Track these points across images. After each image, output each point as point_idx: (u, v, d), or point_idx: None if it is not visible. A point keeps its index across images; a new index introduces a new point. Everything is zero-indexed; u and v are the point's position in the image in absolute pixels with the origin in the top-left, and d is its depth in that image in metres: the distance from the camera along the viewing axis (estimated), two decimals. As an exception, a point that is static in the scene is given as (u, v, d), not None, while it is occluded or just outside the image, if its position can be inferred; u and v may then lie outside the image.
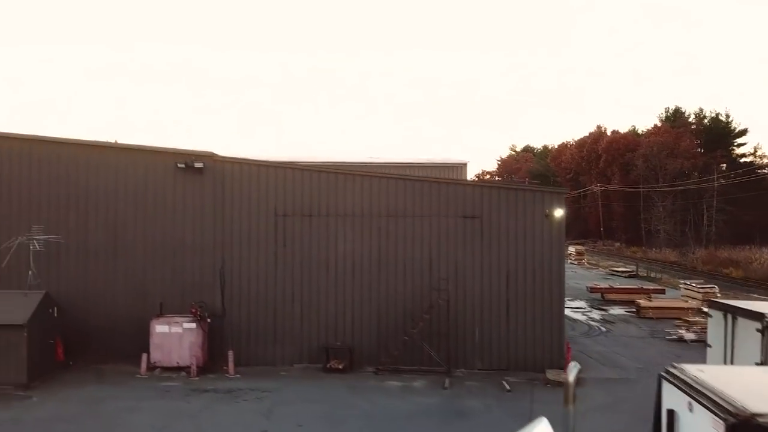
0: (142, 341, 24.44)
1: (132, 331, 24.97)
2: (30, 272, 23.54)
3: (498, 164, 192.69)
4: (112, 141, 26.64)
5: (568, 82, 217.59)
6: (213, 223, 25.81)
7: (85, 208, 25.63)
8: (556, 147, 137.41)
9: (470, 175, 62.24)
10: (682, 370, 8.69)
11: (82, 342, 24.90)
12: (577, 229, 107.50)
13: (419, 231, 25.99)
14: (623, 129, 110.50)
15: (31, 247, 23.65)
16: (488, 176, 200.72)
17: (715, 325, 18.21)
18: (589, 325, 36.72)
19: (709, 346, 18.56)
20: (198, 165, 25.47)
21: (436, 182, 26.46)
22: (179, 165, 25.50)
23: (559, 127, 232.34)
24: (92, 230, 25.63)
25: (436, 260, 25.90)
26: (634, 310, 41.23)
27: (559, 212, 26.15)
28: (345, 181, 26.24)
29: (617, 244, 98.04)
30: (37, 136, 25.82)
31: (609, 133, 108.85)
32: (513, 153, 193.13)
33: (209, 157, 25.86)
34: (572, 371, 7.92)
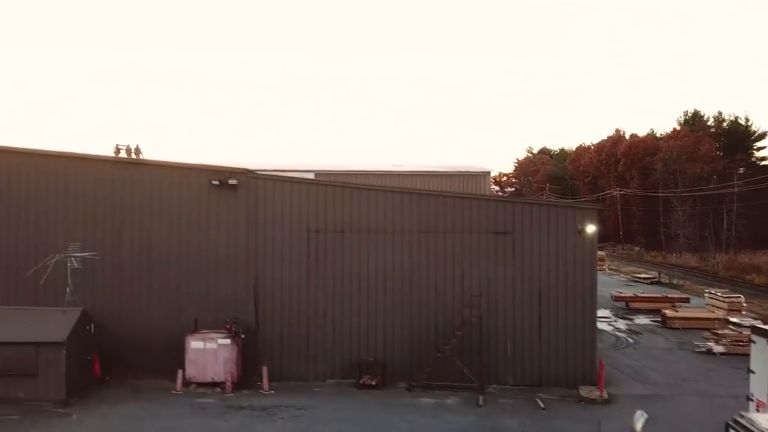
0: (176, 357, 24.47)
1: (167, 347, 25.00)
2: (68, 289, 23.62)
3: (515, 166, 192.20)
4: (149, 158, 26.55)
5: (570, 84, 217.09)
6: (246, 238, 25.80)
7: (120, 225, 25.69)
8: (573, 150, 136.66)
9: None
10: (751, 421, 8.49)
11: (117, 357, 24.96)
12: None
13: (450, 247, 25.85)
14: (637, 132, 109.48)
15: (68, 265, 23.71)
16: (505, 178, 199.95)
17: (759, 351, 17.97)
18: (617, 336, 36.38)
19: (753, 372, 18.30)
20: (232, 182, 25.48)
21: (468, 198, 26.32)
22: (213, 182, 25.50)
23: (560, 129, 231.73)
24: (127, 246, 25.69)
25: (468, 276, 25.75)
26: (659, 319, 40.85)
27: (591, 228, 25.94)
28: (376, 197, 26.15)
29: (637, 248, 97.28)
30: (74, 153, 25.94)
31: (628, 137, 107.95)
32: (530, 155, 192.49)
33: (243, 174, 25.85)
34: (639, 420, 7.79)
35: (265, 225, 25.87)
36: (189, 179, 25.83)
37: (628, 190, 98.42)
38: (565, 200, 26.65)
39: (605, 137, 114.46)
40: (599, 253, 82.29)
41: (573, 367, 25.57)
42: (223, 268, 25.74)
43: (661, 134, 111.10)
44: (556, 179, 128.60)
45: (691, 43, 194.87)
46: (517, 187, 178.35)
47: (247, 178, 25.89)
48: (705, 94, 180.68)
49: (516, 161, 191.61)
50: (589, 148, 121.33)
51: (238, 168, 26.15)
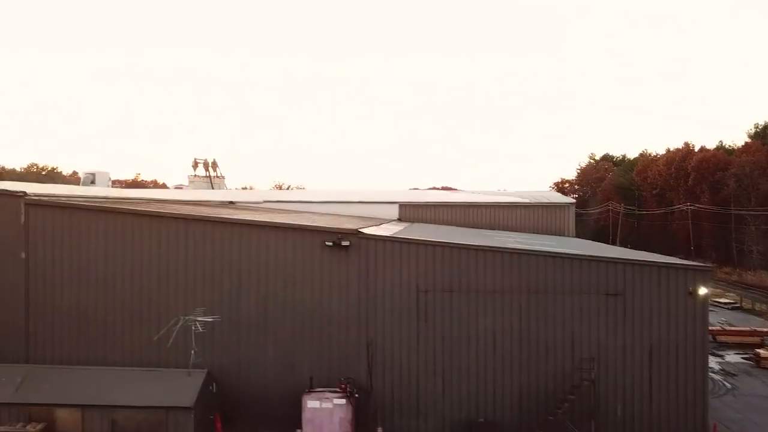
0: (292, 414, 24.54)
1: (282, 404, 25.12)
2: (192, 351, 23.93)
3: (577, 172, 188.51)
4: (266, 220, 26.64)
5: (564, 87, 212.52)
6: (358, 297, 25.73)
7: (237, 284, 25.90)
8: (635, 158, 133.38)
9: (544, 184, 60.25)
10: None
11: (235, 414, 25.21)
12: (664, 244, 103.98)
13: (560, 307, 25.30)
14: (702, 143, 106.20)
15: (193, 328, 24.00)
16: (567, 185, 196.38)
17: None
18: (712, 380, 35.12)
19: None
20: (345, 243, 25.42)
21: (578, 259, 25.65)
22: (327, 243, 25.48)
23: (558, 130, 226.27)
24: (244, 305, 25.88)
25: (578, 337, 25.17)
26: (751, 357, 39.37)
27: (702, 290, 25.06)
28: (484, 257, 25.75)
29: (708, 264, 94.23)
30: (194, 215, 26.22)
31: (698, 150, 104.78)
32: (592, 161, 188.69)
33: (354, 235, 25.76)
34: None
35: (376, 284, 25.75)
36: (303, 240, 25.89)
37: (700, 206, 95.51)
38: (676, 260, 25.60)
39: (673, 149, 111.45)
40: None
41: (684, 428, 24.77)
42: (335, 326, 25.74)
43: (730, 146, 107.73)
44: (622, 189, 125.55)
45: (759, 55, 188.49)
46: (580, 194, 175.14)
47: (359, 239, 25.79)
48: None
49: (578, 167, 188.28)
50: (656, 159, 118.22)
51: (349, 229, 26.07)
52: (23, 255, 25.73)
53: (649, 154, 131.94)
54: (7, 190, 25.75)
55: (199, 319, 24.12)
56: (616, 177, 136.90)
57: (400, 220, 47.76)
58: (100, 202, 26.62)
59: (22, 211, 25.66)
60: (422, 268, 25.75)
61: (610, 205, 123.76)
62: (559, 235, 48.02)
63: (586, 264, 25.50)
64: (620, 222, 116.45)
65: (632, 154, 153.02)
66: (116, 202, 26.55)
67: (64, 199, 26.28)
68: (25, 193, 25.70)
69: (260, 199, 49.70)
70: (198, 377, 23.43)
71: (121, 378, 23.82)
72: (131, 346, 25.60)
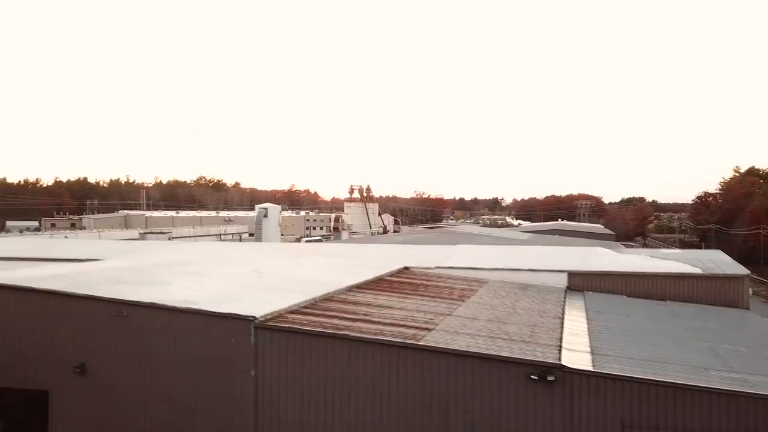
0: None
1: None
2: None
3: (721, 186, 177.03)
4: (474, 351, 26.65)
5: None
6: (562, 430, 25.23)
7: (445, 411, 26.09)
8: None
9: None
10: None
11: None
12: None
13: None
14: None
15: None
16: (711, 199, 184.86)
17: None
18: None
19: None
20: (550, 378, 24.99)
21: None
22: (532, 377, 25.18)
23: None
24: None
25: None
26: None
27: None
28: (692, 397, 24.47)
29: None
30: (405, 343, 26.61)
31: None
32: (736, 174, 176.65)
33: (559, 369, 25.29)
34: None
35: (580, 418, 25.14)
36: (508, 372, 25.71)
37: None
38: None
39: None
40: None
41: None
42: (539, 457, 25.37)
43: None
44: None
45: None
46: (724, 209, 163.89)
47: (563, 372, 25.29)
48: None
49: (722, 181, 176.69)
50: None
51: (554, 363, 25.63)
52: (252, 373, 27.18)
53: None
54: (239, 315, 27.25)
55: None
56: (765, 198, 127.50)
57: (569, 288, 47.17)
58: (323, 328, 27.66)
59: (252, 333, 27.09)
60: (627, 404, 24.88)
61: (761, 229, 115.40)
62: (732, 307, 45.95)
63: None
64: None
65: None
66: (335, 328, 27.44)
67: (287, 325, 27.48)
68: (254, 317, 27.09)
69: (432, 265, 50.26)
70: None
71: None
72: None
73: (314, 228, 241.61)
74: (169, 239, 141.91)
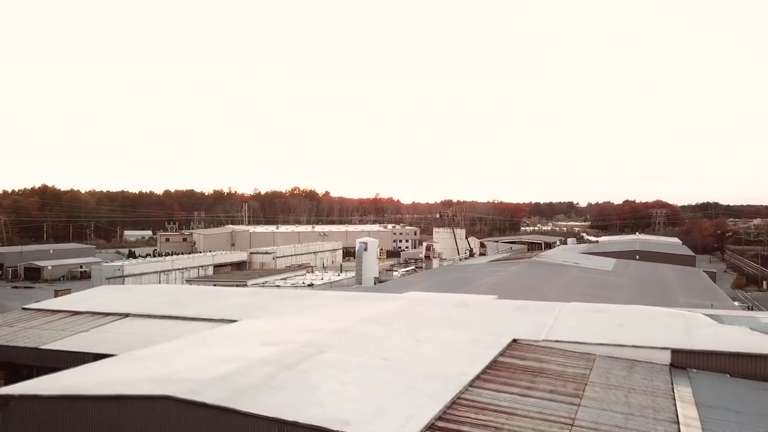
0: None
1: None
2: None
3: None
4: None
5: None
6: None
7: None
8: None
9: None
10: None
11: None
12: None
13: None
14: None
15: None
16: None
17: None
18: None
19: None
20: None
21: None
22: None
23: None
24: None
25: None
26: None
27: None
28: None
29: None
30: None
31: None
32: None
33: None
34: None
35: None
36: None
37: None
38: None
39: None
40: None
41: None
42: None
43: None
44: None
45: None
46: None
47: None
48: None
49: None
50: None
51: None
52: None
53: None
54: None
55: None
56: None
57: (672, 365, 46.18)
58: None
59: None
60: None
61: None
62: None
63: None
64: None
65: None
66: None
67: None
68: None
69: (539, 337, 50.27)
70: None
71: None
72: None
73: (401, 241, 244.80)
74: (274, 258, 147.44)
